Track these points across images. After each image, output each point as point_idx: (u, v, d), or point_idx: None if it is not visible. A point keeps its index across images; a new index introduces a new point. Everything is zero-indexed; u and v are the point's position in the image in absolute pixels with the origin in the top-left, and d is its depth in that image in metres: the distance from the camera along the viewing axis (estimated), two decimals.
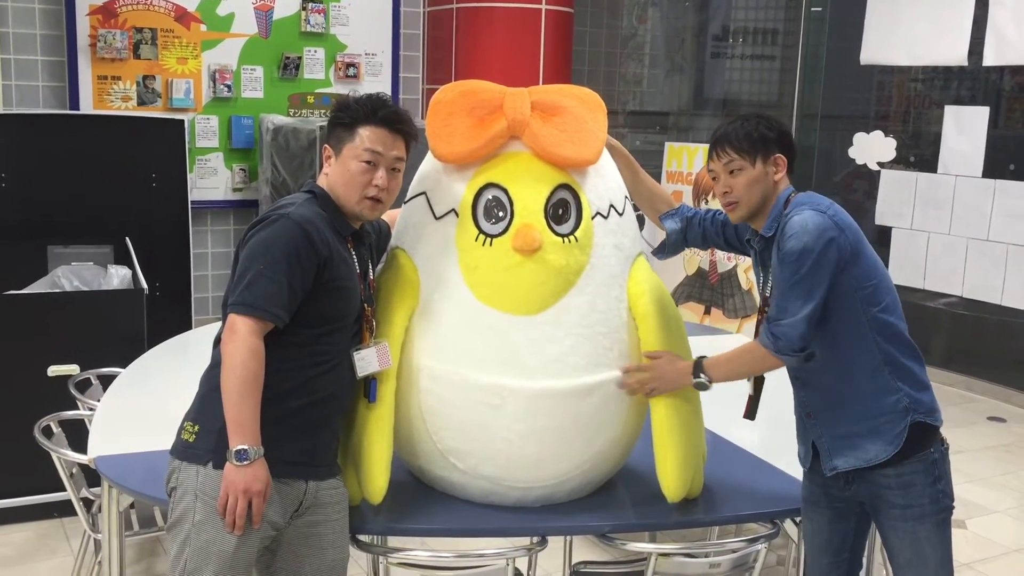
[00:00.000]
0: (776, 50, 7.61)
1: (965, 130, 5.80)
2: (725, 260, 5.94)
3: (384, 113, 2.18)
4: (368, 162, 2.16)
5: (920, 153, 6.38)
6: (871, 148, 5.97)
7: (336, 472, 2.22)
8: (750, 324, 5.86)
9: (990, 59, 5.63)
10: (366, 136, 2.16)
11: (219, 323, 2.16)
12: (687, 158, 6.13)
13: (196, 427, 2.09)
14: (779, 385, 2.43)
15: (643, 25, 8.06)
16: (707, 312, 6.03)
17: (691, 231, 2.53)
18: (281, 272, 2.03)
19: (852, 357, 2.17)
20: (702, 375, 2.27)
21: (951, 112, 5.95)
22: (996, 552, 3.91)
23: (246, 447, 1.97)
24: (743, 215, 2.26)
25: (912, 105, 6.92)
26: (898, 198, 5.94)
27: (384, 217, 2.48)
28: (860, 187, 6.14)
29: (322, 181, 2.22)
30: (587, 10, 7.33)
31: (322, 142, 2.29)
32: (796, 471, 2.43)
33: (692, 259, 6.11)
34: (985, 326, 6.06)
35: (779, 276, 2.16)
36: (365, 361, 2.19)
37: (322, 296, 2.10)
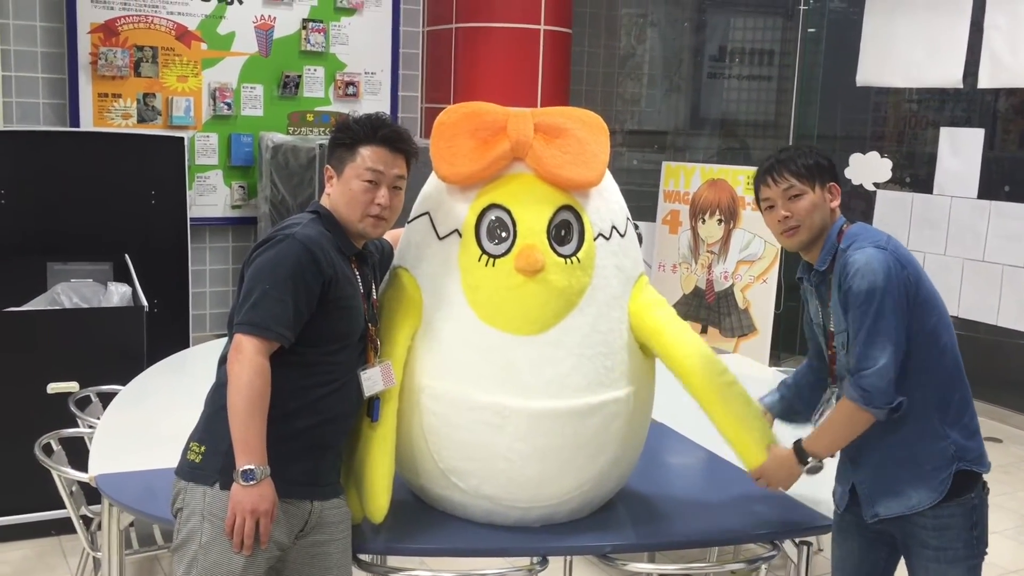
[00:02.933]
0: (773, 71, 7.65)
1: (960, 151, 5.84)
2: (722, 279, 5.96)
3: (384, 132, 2.20)
4: (370, 181, 2.18)
5: (916, 174, 6.42)
6: (867, 169, 6.01)
7: (340, 491, 2.22)
8: (747, 343, 5.88)
9: (985, 81, 5.68)
10: (367, 155, 2.18)
11: (219, 340, 2.17)
12: (684, 177, 6.16)
13: (202, 447, 2.09)
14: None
15: (641, 45, 8.10)
16: (704, 331, 6.05)
17: (796, 393, 2.47)
18: (287, 292, 2.04)
19: (904, 404, 2.12)
20: (808, 460, 2.21)
21: (946, 133, 5.98)
22: (995, 574, 3.91)
23: (253, 467, 1.98)
24: (804, 240, 2.24)
25: (908, 126, 6.97)
26: (894, 219, 5.97)
27: (387, 236, 2.50)
28: (856, 207, 6.17)
29: (325, 201, 2.24)
30: (585, 30, 7.37)
31: (322, 160, 2.31)
32: (796, 492, 2.43)
33: (689, 278, 6.13)
34: (981, 346, 6.08)
35: (851, 320, 2.10)
36: (371, 380, 2.20)
37: (327, 316, 2.11)
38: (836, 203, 2.25)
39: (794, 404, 2.48)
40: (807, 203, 2.21)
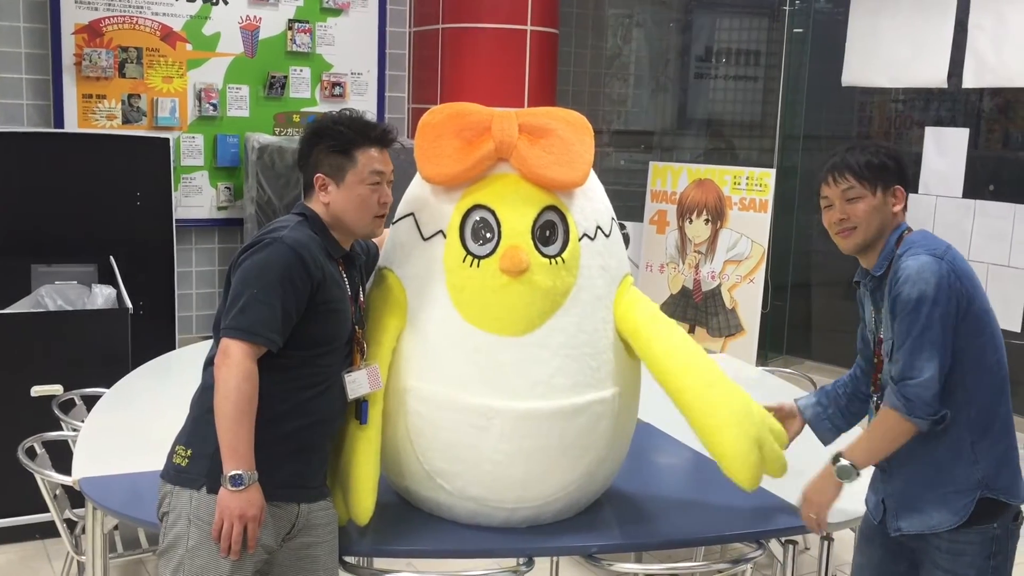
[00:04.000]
0: (759, 71, 7.67)
1: (945, 151, 5.86)
2: (709, 279, 5.98)
3: (376, 133, 2.21)
4: (375, 183, 2.19)
5: None
6: None
7: (327, 494, 2.22)
8: (734, 343, 5.89)
9: (969, 81, 5.70)
10: (368, 159, 2.18)
11: (205, 343, 2.16)
12: (671, 177, 6.16)
13: (189, 451, 2.08)
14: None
15: (627, 45, 8.12)
16: (691, 331, 6.06)
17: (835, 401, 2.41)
18: (275, 296, 2.03)
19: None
20: (840, 461, 2.12)
21: (931, 133, 6.01)
22: None
23: (241, 472, 1.97)
24: (859, 243, 2.17)
25: (893, 126, 7.00)
26: None
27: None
28: None
29: (316, 207, 2.22)
30: (572, 31, 7.38)
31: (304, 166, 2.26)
32: (782, 491, 2.44)
33: (676, 278, 6.14)
34: None
35: (898, 328, 2.06)
36: (356, 383, 2.19)
37: (315, 319, 2.10)
38: (899, 207, 2.17)
39: (829, 411, 2.41)
40: (865, 206, 2.14)
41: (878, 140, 2.29)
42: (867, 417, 2.33)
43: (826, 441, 2.42)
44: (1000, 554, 2.10)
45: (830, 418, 2.41)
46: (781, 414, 2.44)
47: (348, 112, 2.24)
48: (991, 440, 2.09)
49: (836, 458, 2.13)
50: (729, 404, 2.30)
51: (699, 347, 2.38)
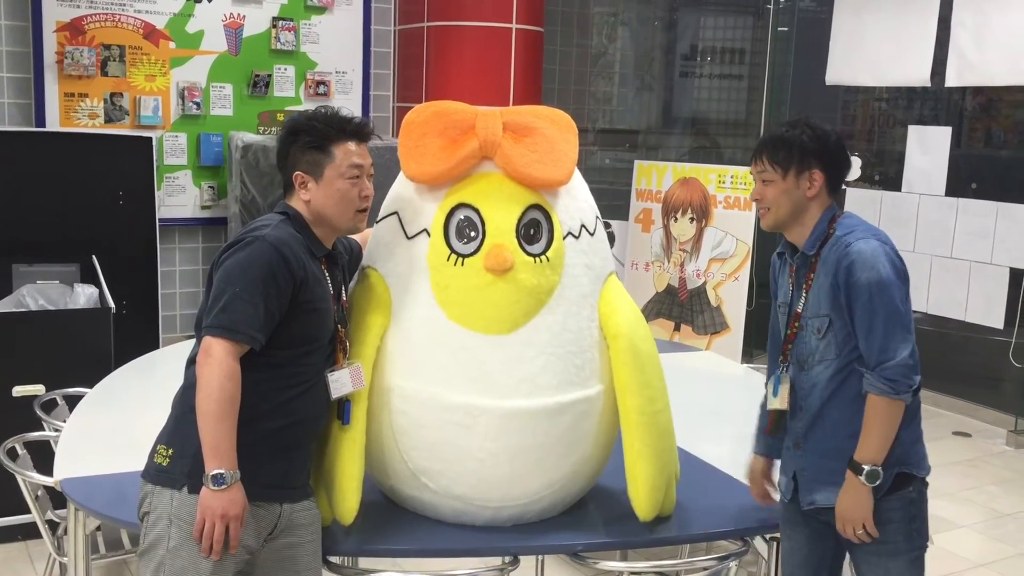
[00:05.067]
0: (743, 69, 7.70)
1: (928, 149, 5.90)
2: (695, 277, 5.99)
3: (352, 127, 2.20)
4: (354, 177, 2.18)
5: (885, 172, 6.49)
6: None
7: (309, 494, 2.21)
8: (719, 340, 5.91)
9: (952, 80, 5.74)
10: (345, 153, 2.17)
11: (188, 342, 2.14)
12: (656, 176, 6.18)
13: (170, 450, 2.07)
14: (750, 403, 2.45)
15: (612, 44, 8.13)
16: (677, 329, 6.07)
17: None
18: (257, 294, 2.02)
19: (858, 400, 2.13)
20: (865, 469, 2.10)
21: (915, 132, 6.05)
22: (962, 567, 3.95)
23: (223, 471, 1.96)
24: (771, 223, 2.27)
25: (876, 125, 7.04)
26: (863, 216, 5.99)
27: (356, 236, 2.48)
28: None
29: (297, 205, 2.21)
30: (557, 29, 7.38)
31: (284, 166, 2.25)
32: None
33: (662, 276, 6.16)
34: (949, 342, 6.15)
35: (860, 312, 2.09)
36: (339, 383, 2.18)
37: (298, 318, 2.09)
38: (814, 192, 2.21)
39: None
40: (775, 190, 2.22)
41: (811, 119, 2.29)
42: (771, 387, 2.33)
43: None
44: (918, 518, 2.18)
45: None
46: (766, 469, 2.45)
47: (324, 109, 2.23)
48: (907, 419, 2.14)
49: (857, 468, 2.11)
50: (664, 438, 2.35)
51: (660, 369, 2.37)
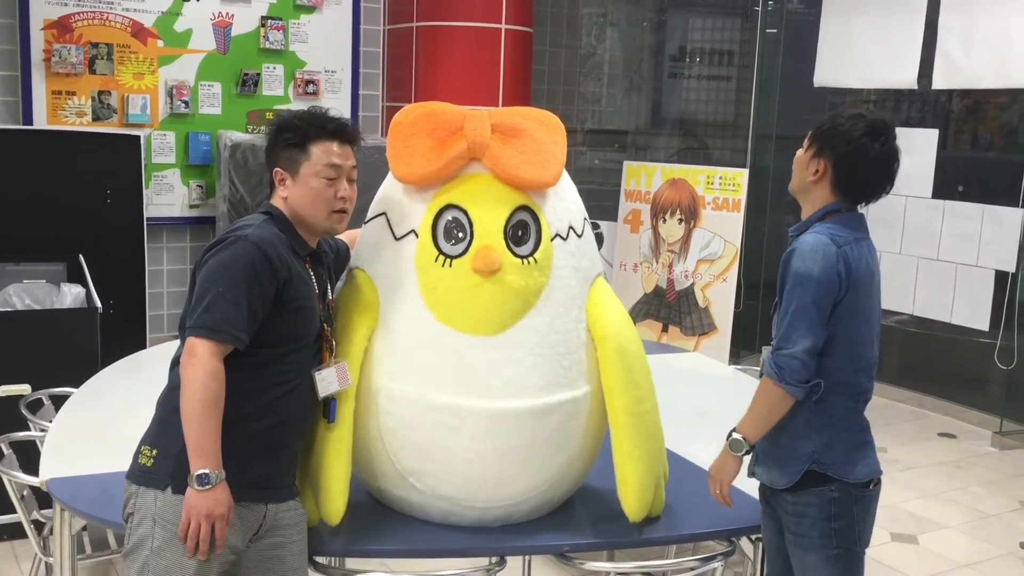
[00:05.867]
0: (732, 71, 7.72)
1: (915, 152, 5.92)
2: (683, 278, 6.01)
3: (332, 126, 2.20)
4: (330, 177, 2.16)
5: None
6: None
7: (295, 494, 2.21)
8: (707, 341, 5.93)
9: (939, 82, 5.77)
10: (321, 152, 2.17)
11: (175, 342, 2.14)
12: (645, 177, 6.19)
13: (154, 451, 2.06)
14: (737, 404, 2.46)
15: (601, 45, 8.14)
16: (665, 330, 6.09)
17: None
18: (241, 294, 2.01)
19: None
20: (732, 436, 2.23)
21: (901, 134, 6.00)
22: (947, 567, 3.97)
23: (208, 471, 1.95)
24: (790, 186, 2.35)
25: None
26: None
27: (343, 237, 2.48)
28: None
29: (278, 203, 2.21)
30: (546, 29, 7.39)
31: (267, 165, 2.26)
32: (752, 489, 2.46)
33: (650, 277, 6.17)
34: (935, 343, 6.18)
35: (784, 297, 2.17)
36: (326, 381, 2.18)
37: (282, 317, 2.09)
38: (815, 179, 2.26)
39: None
40: (799, 156, 2.30)
41: (880, 120, 2.33)
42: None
43: None
44: (843, 517, 2.20)
45: None
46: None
47: (312, 109, 2.23)
48: (826, 421, 2.19)
49: (729, 434, 2.24)
50: (652, 438, 2.37)
51: (648, 370, 2.38)
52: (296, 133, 2.17)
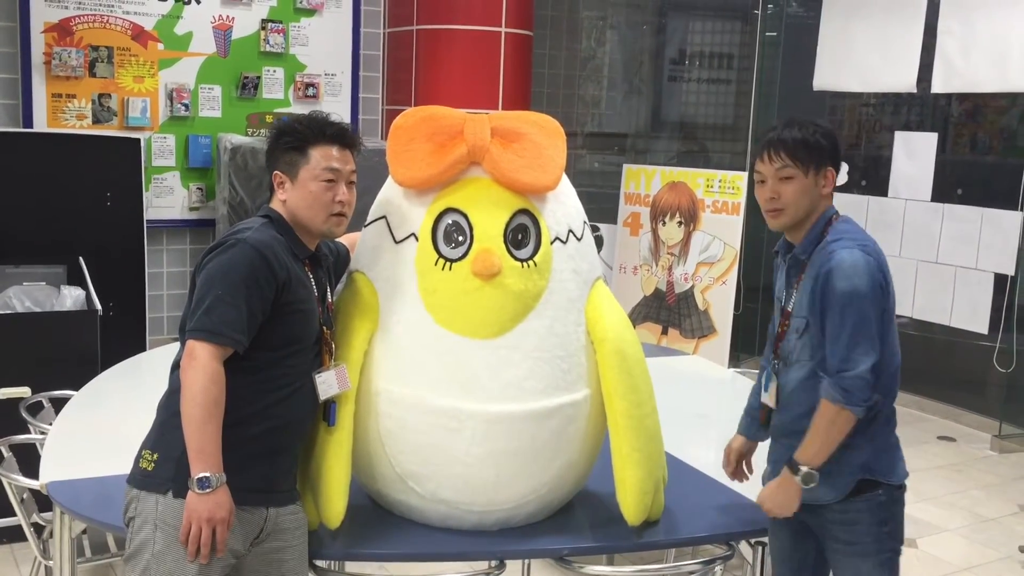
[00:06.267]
0: (731, 74, 7.73)
1: (914, 155, 5.94)
2: (682, 281, 6.01)
3: (332, 130, 2.20)
4: (328, 180, 2.17)
5: (871, 177, 6.52)
6: None
7: (295, 497, 2.21)
8: (707, 344, 5.93)
9: (938, 86, 5.78)
10: (320, 156, 2.17)
11: (174, 344, 2.14)
12: (645, 180, 6.20)
13: (155, 455, 2.07)
14: (736, 407, 2.47)
15: (601, 48, 8.15)
16: (664, 332, 6.09)
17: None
18: (240, 297, 2.02)
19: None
20: (802, 470, 2.14)
21: (901, 137, 6.08)
22: (946, 571, 3.97)
23: (208, 475, 1.96)
24: (785, 223, 2.22)
25: (863, 130, 7.07)
26: None
27: (343, 240, 2.49)
28: None
29: (277, 206, 2.22)
30: (546, 33, 7.39)
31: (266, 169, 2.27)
32: (751, 492, 2.46)
33: (650, 280, 6.17)
34: (935, 346, 6.19)
35: (831, 320, 2.10)
36: (326, 384, 2.19)
37: (281, 320, 2.09)
38: (828, 189, 2.21)
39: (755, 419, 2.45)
40: (795, 187, 2.18)
41: (815, 119, 2.29)
42: (763, 385, 2.35)
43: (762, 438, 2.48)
44: (891, 520, 2.20)
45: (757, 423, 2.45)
46: (742, 450, 2.49)
47: (314, 113, 2.24)
48: (875, 430, 2.18)
49: (795, 468, 2.16)
50: (652, 442, 2.36)
51: (647, 373, 2.38)
52: (296, 137, 2.18)
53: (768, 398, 2.33)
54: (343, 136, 2.21)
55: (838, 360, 2.09)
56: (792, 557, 2.34)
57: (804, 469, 2.14)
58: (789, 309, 2.27)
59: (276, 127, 2.25)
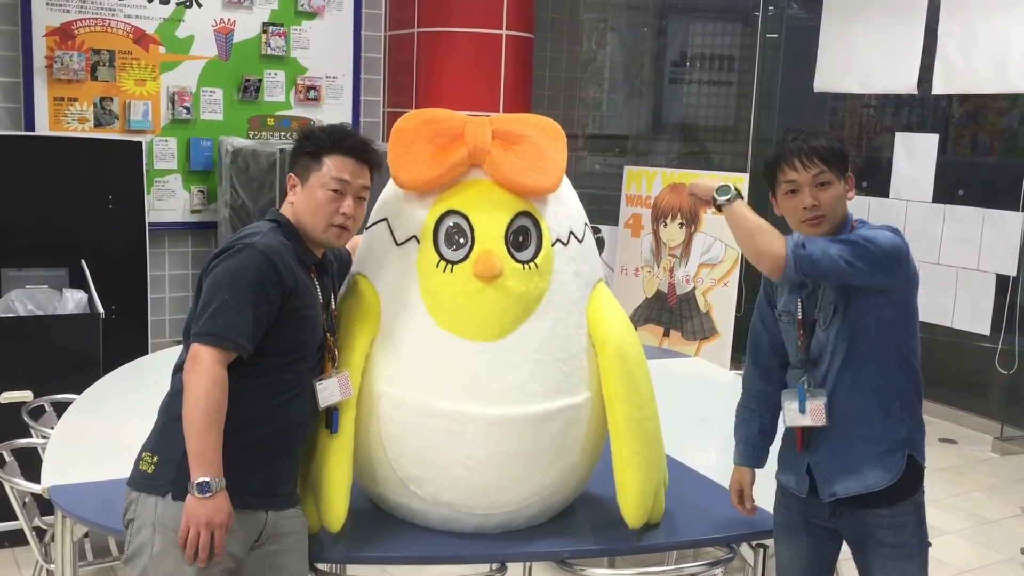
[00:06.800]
0: (732, 76, 7.73)
1: (915, 156, 5.93)
2: (684, 283, 6.01)
3: (351, 143, 2.21)
4: (335, 191, 2.18)
5: (872, 179, 6.52)
6: None
7: (296, 501, 2.21)
8: (709, 346, 5.93)
9: (939, 87, 5.78)
10: (333, 165, 2.18)
11: (177, 348, 2.14)
12: (646, 181, 6.20)
13: (155, 457, 2.07)
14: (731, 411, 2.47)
15: (602, 50, 8.15)
16: (666, 334, 6.09)
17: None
18: (246, 302, 2.02)
19: (871, 384, 2.17)
20: (730, 194, 2.19)
21: (902, 139, 6.08)
22: (948, 573, 3.97)
23: (208, 479, 1.96)
24: (826, 230, 2.17)
25: (864, 131, 7.07)
26: None
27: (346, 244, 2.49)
28: None
29: (286, 210, 2.23)
30: (547, 35, 7.40)
31: (283, 165, 2.31)
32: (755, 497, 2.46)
33: (651, 281, 6.17)
34: (936, 348, 6.17)
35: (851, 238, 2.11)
36: (328, 391, 2.19)
37: (286, 326, 2.10)
38: (852, 195, 2.22)
39: (763, 425, 2.40)
40: (834, 193, 2.16)
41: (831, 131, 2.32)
42: (794, 404, 2.25)
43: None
44: (924, 519, 2.23)
45: (765, 430, 2.42)
46: (746, 483, 2.44)
47: (342, 125, 2.27)
48: (912, 405, 2.21)
49: (732, 193, 2.22)
50: (653, 445, 2.36)
51: (648, 376, 2.38)
52: (314, 143, 2.20)
53: (809, 418, 2.20)
54: (361, 150, 2.22)
55: (830, 240, 2.10)
56: (810, 567, 2.31)
57: (733, 191, 2.21)
58: (799, 317, 2.24)
59: (302, 131, 2.27)
